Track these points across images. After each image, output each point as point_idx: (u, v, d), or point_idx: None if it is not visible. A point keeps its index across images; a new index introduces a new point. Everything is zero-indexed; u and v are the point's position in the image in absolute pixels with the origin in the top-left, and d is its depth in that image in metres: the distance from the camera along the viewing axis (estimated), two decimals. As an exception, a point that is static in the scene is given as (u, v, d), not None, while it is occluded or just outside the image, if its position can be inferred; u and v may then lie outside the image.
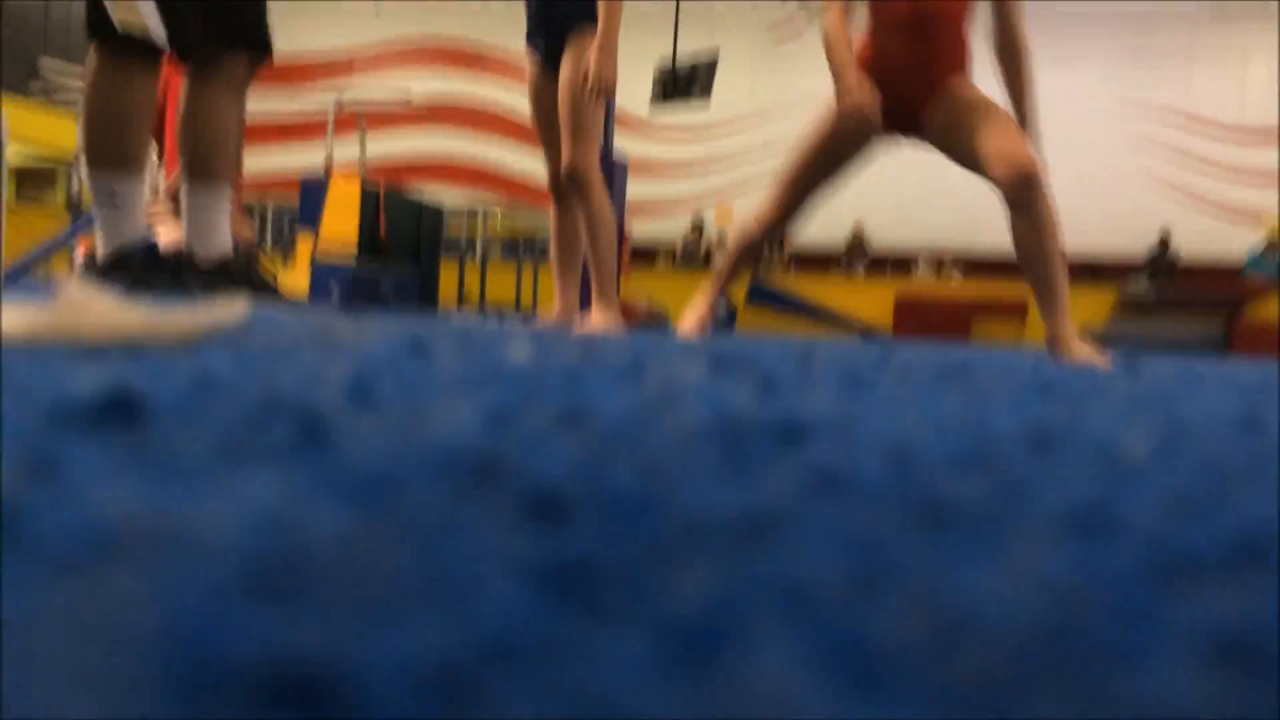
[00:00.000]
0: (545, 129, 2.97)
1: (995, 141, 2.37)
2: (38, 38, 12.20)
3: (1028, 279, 2.40)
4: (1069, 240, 2.46)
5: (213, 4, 2.19)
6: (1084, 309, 9.85)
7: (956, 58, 2.52)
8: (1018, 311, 11.41)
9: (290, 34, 13.75)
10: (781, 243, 12.03)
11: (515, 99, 13.17)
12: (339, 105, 7.84)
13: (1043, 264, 2.34)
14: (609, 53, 2.73)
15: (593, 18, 2.75)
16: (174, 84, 3.89)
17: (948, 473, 0.37)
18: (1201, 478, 0.40)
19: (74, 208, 7.36)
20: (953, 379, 0.68)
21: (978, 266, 12.68)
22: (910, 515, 0.30)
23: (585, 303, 2.99)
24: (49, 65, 11.64)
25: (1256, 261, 11.46)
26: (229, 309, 0.67)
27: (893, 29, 2.53)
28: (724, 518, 0.28)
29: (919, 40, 2.50)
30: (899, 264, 13.05)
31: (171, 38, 2.11)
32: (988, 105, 2.45)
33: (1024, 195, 2.31)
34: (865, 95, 2.50)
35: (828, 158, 2.60)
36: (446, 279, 8.67)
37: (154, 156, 4.07)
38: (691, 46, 10.57)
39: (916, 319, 11.52)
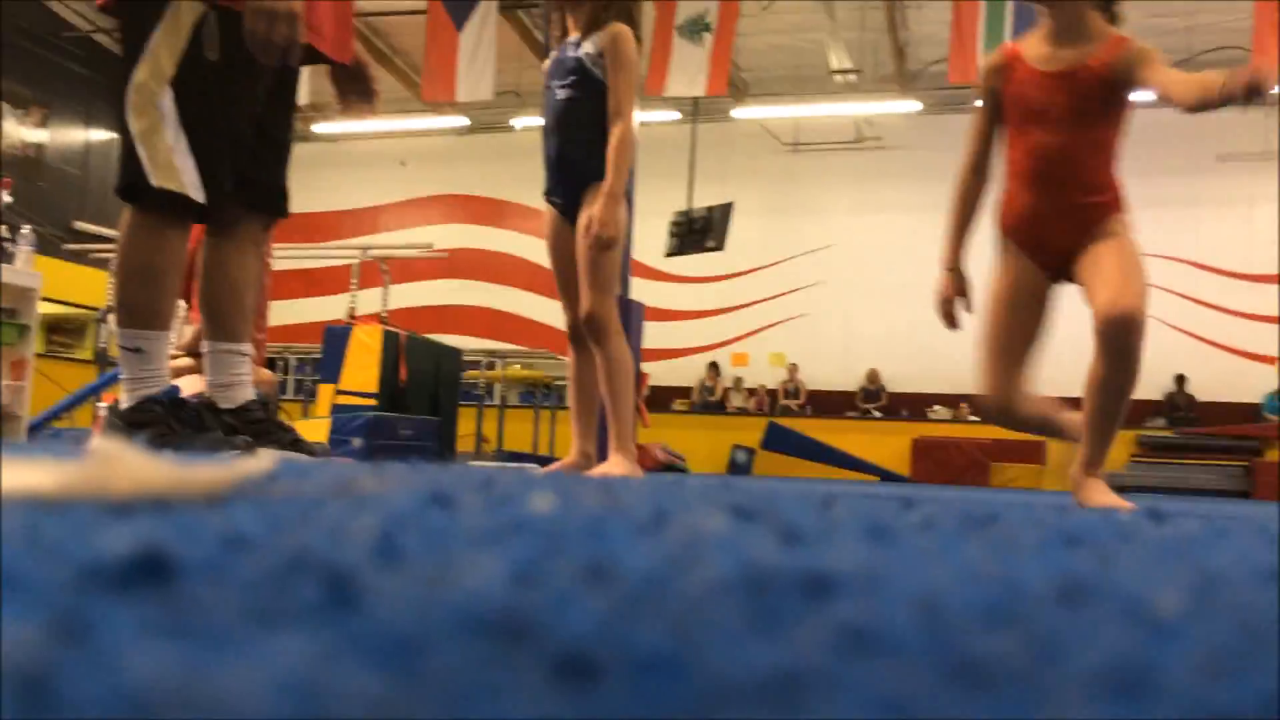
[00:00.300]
0: (563, 278, 3.03)
1: (1107, 280, 2.27)
2: (74, 200, 12.64)
3: (1086, 412, 2.35)
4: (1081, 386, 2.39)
5: (243, 167, 2.28)
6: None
7: (1100, 201, 2.40)
8: (1035, 455, 11.32)
9: (321, 191, 14.22)
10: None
11: (533, 248, 13.50)
12: (364, 257, 8.04)
13: (1108, 406, 2.29)
14: (614, 205, 2.80)
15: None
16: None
17: (978, 628, 0.37)
18: (1237, 632, 0.39)
19: (101, 360, 7.49)
20: (977, 527, 0.68)
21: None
22: (941, 672, 0.30)
23: (602, 448, 2.99)
24: (83, 226, 12.05)
25: (1275, 406, 11.42)
26: (255, 462, 0.67)
27: (1021, 178, 2.47)
28: (753, 676, 0.28)
29: (1050, 188, 2.42)
30: (915, 408, 13.02)
31: (212, 202, 2.19)
32: (1120, 246, 2.35)
33: (1115, 340, 2.23)
34: (947, 295, 2.51)
35: (1010, 324, 2.50)
36: (465, 424, 8.71)
37: (180, 310, 4.16)
38: (706, 198, 10.86)
39: (934, 463, 11.45)
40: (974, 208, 2.62)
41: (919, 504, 1.00)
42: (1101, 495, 2.26)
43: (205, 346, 2.41)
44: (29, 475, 0.55)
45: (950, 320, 2.60)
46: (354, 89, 2.56)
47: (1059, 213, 2.41)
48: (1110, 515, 1.06)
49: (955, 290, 2.59)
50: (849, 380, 13.49)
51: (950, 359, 13.18)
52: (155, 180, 2.12)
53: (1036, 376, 2.59)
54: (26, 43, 11.96)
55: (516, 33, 11.41)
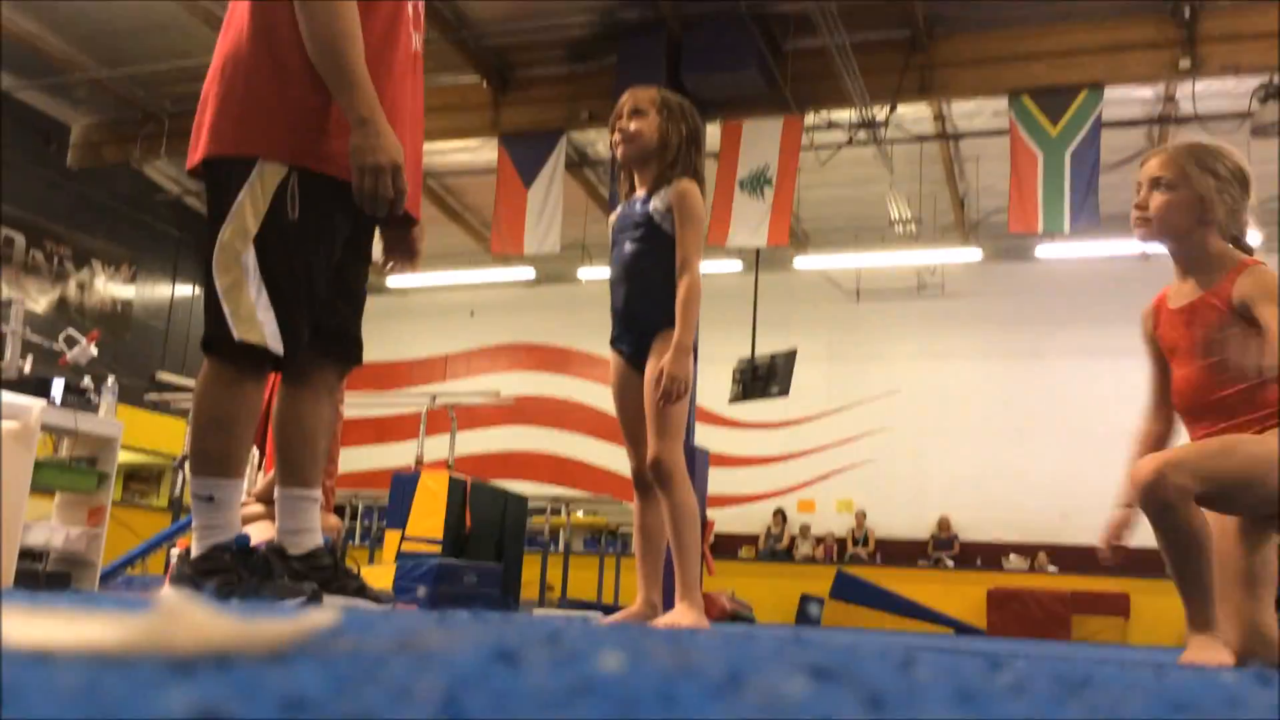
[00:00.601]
0: (629, 424, 3.03)
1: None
2: (157, 352, 13.13)
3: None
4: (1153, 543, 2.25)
5: (319, 317, 2.34)
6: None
7: (1250, 422, 2.29)
8: (1118, 607, 10.80)
9: (392, 341, 14.60)
10: None
11: (597, 394, 13.61)
12: (432, 405, 8.16)
13: (1174, 569, 2.19)
14: (683, 358, 2.82)
15: (674, 322, 2.87)
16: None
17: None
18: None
19: (175, 507, 7.61)
20: (1073, 691, 0.63)
21: (1073, 561, 12.19)
22: None
23: (668, 596, 2.93)
24: (164, 377, 12.48)
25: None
26: (319, 615, 0.66)
27: (1182, 415, 2.45)
28: None
29: (1200, 421, 2.38)
30: (989, 556, 12.62)
31: (290, 353, 2.24)
32: (1230, 434, 2.28)
33: (1142, 506, 2.17)
34: (1114, 530, 2.43)
35: (1228, 564, 2.37)
36: (529, 571, 8.63)
37: (254, 457, 4.23)
38: (769, 345, 10.91)
39: (1011, 614, 10.99)
40: (1148, 449, 2.56)
41: (1005, 662, 0.95)
42: (1200, 653, 2.13)
43: (276, 492, 2.43)
44: (91, 629, 0.54)
45: (1107, 555, 2.50)
46: (400, 246, 2.62)
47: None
48: (1213, 678, 0.99)
49: (1123, 528, 2.50)
50: (919, 528, 13.18)
51: (1024, 507, 12.86)
52: (238, 333, 2.19)
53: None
54: (121, 205, 12.66)
55: (582, 188, 11.79)
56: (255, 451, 4.29)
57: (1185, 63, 8.37)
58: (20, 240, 11.59)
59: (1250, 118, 8.68)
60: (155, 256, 13.28)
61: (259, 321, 2.19)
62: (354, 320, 2.50)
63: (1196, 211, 2.37)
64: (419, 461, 7.57)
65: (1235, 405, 2.33)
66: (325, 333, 2.39)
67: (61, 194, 11.91)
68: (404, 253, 2.62)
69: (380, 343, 14.52)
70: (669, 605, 2.90)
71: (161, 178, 12.90)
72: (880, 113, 9.35)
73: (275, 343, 2.21)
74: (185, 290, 13.58)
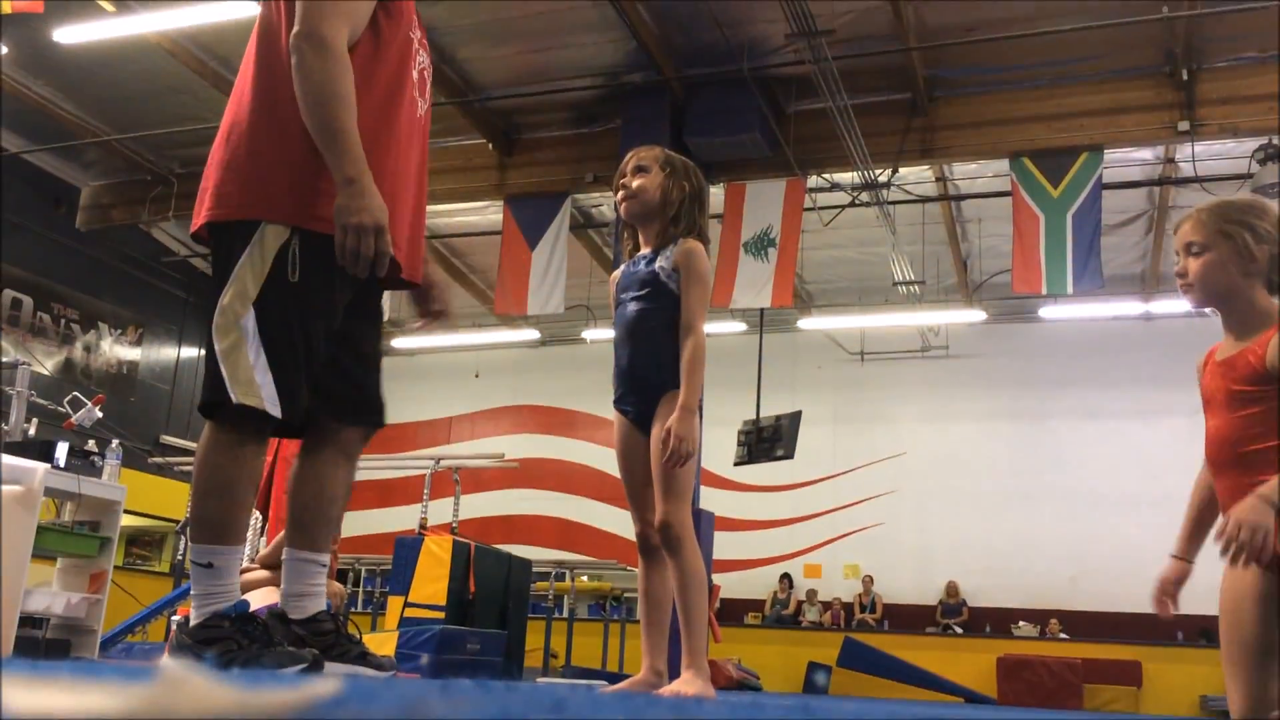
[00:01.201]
0: (633, 487, 3.00)
1: None
2: (162, 414, 13.13)
3: None
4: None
5: (327, 381, 2.32)
6: (1206, 678, 9.18)
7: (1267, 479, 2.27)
8: (1131, 676, 10.62)
9: (395, 402, 14.52)
10: None
11: (602, 457, 13.55)
12: (436, 467, 8.13)
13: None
14: (690, 419, 2.80)
15: (679, 384, 2.86)
16: (284, 453, 4.08)
17: None
18: None
19: (177, 573, 7.55)
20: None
21: (1083, 627, 12.02)
22: None
23: (674, 663, 2.88)
24: (169, 440, 12.46)
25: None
26: (320, 684, 0.65)
27: (1209, 468, 2.47)
28: None
29: (1223, 476, 2.39)
30: (998, 623, 12.44)
31: (288, 416, 2.22)
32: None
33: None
34: (1165, 582, 2.40)
35: (1246, 632, 2.30)
36: (533, 637, 8.52)
37: (255, 523, 4.21)
38: (773, 407, 10.88)
39: (1022, 683, 10.81)
40: (1205, 501, 2.54)
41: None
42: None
43: (285, 554, 2.40)
44: (93, 698, 0.53)
45: (1162, 607, 2.45)
46: (429, 307, 2.65)
47: (1236, 499, 2.26)
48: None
49: (1175, 580, 2.45)
50: (927, 593, 13.02)
51: (1032, 571, 12.72)
52: (236, 397, 2.17)
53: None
54: (129, 268, 12.75)
55: (587, 250, 11.87)
56: (257, 515, 4.27)
57: (1184, 125, 8.47)
58: (28, 302, 11.66)
59: (1250, 179, 8.75)
60: (162, 319, 13.34)
61: (257, 385, 2.17)
62: (373, 382, 2.48)
63: (1235, 268, 2.38)
64: (423, 525, 7.52)
65: (1260, 462, 2.31)
66: (345, 397, 2.37)
67: (70, 256, 12.00)
68: (435, 311, 2.64)
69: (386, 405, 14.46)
70: (675, 673, 2.85)
71: (170, 240, 13.01)
72: (882, 174, 9.44)
73: (273, 406, 2.19)
74: (191, 353, 13.62)
